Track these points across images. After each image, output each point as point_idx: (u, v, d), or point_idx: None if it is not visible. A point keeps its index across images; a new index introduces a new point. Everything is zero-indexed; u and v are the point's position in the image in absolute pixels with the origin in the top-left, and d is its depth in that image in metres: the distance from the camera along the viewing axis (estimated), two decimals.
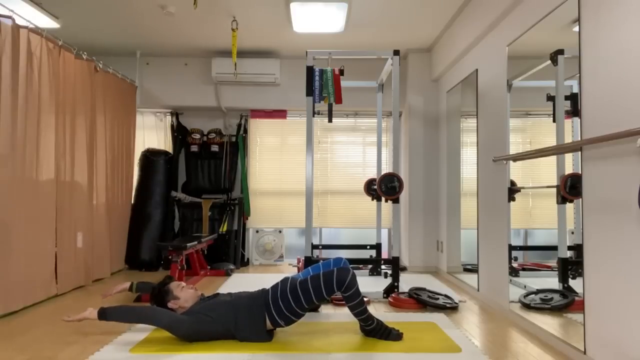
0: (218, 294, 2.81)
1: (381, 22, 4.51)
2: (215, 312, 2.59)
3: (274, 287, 2.67)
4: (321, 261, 3.06)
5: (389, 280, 3.95)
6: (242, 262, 5.56)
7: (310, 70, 3.94)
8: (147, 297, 3.66)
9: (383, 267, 4.72)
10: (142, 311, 2.55)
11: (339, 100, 3.95)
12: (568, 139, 2.57)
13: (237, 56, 5.28)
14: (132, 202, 5.36)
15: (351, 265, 4.67)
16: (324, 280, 2.53)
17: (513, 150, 3.30)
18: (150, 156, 5.41)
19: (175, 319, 2.55)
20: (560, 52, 2.64)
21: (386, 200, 3.96)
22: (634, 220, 1.99)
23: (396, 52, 4.00)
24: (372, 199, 5.10)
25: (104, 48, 5.32)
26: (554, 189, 2.70)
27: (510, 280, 3.25)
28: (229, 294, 2.76)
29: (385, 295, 3.78)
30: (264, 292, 2.68)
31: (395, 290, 3.77)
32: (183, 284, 2.81)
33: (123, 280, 4.55)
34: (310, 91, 3.93)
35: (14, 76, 3.33)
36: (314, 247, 4.57)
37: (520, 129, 3.26)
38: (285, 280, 2.68)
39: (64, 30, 4.73)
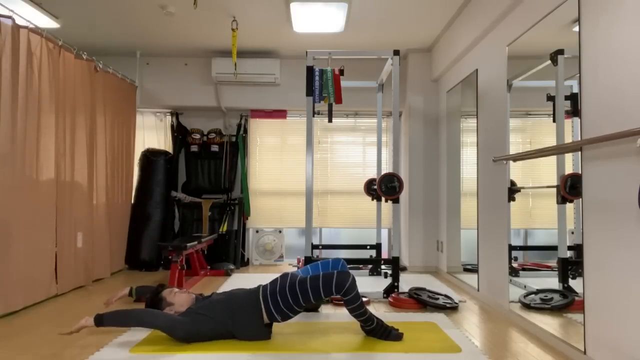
0: (213, 293, 2.81)
1: (381, 22, 4.51)
2: (211, 311, 2.59)
3: (273, 281, 2.68)
4: (320, 261, 3.06)
5: (389, 280, 3.95)
6: (242, 262, 5.55)
7: (310, 70, 3.94)
8: None
9: (383, 267, 4.72)
10: (138, 314, 2.54)
11: (339, 100, 3.95)
12: (568, 139, 2.57)
13: (237, 56, 5.28)
14: (132, 202, 5.36)
15: (351, 265, 4.71)
16: (323, 283, 2.53)
17: (513, 150, 3.30)
18: (150, 156, 5.41)
19: (172, 320, 2.54)
20: (560, 52, 2.64)
21: (386, 200, 3.96)
22: (634, 220, 1.99)
23: (396, 52, 4.00)
24: (372, 199, 5.10)
25: (104, 48, 5.32)
26: (554, 189, 2.70)
27: (510, 280, 3.25)
28: (224, 292, 2.76)
29: (385, 295, 3.78)
30: (261, 286, 2.68)
31: (395, 290, 3.77)
32: (175, 289, 2.81)
33: (123, 281, 4.56)
34: (310, 91, 3.93)
35: (14, 76, 3.33)
36: (314, 247, 4.57)
37: (520, 129, 3.26)
38: (284, 275, 2.69)
39: (64, 30, 4.73)
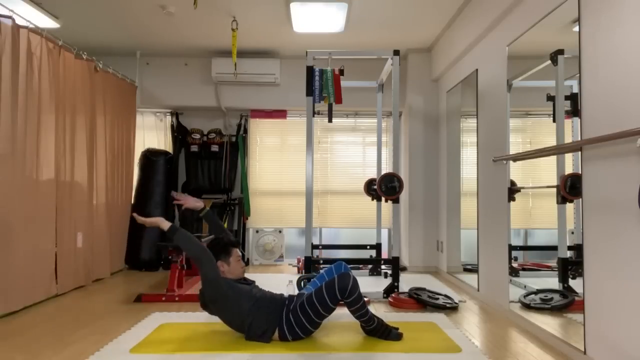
0: (254, 282, 2.81)
1: (381, 22, 4.51)
2: (246, 301, 2.60)
3: (289, 301, 2.67)
4: (323, 270, 3.06)
5: (389, 280, 3.95)
6: None
7: (310, 70, 3.94)
8: (147, 299, 3.67)
9: (383, 267, 4.72)
10: (202, 249, 2.55)
11: (339, 100, 3.95)
12: (568, 139, 2.57)
13: (237, 56, 5.28)
14: (132, 202, 5.36)
15: (351, 265, 4.70)
16: (327, 292, 2.54)
17: (513, 150, 3.30)
18: (150, 156, 5.41)
19: (220, 278, 2.56)
20: (560, 52, 2.64)
21: (386, 200, 3.96)
22: (634, 220, 1.99)
23: (396, 52, 4.00)
24: (372, 199, 5.10)
25: (104, 48, 5.32)
26: (554, 189, 2.70)
27: (510, 280, 3.25)
28: (260, 289, 2.74)
29: (385, 295, 3.78)
30: (282, 302, 2.67)
31: (395, 290, 3.77)
32: (240, 256, 2.79)
33: (123, 281, 4.56)
34: (310, 91, 3.93)
35: (14, 76, 3.33)
36: (314, 247, 4.57)
37: (520, 129, 3.26)
38: (299, 295, 2.70)
39: (64, 30, 4.73)
